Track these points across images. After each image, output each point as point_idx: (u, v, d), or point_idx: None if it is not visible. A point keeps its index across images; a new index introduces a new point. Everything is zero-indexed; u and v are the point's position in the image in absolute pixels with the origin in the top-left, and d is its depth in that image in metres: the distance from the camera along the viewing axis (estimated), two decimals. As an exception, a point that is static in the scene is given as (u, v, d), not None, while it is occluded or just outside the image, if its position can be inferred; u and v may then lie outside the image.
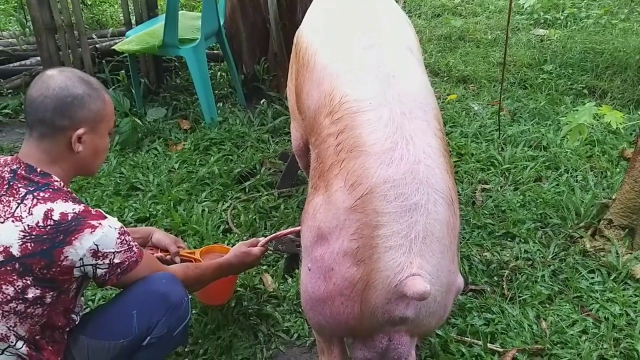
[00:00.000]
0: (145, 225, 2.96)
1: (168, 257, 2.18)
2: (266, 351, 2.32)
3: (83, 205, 1.63)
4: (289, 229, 2.43)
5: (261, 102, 4.28)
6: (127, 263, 1.69)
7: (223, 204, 3.20)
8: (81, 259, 1.59)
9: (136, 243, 1.74)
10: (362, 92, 1.66)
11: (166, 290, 1.76)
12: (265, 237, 2.40)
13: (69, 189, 1.68)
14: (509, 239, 2.93)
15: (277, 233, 2.43)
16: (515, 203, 3.17)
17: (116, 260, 1.66)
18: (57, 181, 1.65)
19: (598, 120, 3.33)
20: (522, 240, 2.91)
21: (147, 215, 3.11)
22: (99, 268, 1.64)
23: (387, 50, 1.79)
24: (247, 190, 3.34)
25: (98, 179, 3.43)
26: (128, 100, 4.04)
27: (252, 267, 2.37)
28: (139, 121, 3.90)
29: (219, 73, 4.87)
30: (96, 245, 1.60)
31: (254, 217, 3.06)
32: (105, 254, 1.63)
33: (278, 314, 2.47)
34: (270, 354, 2.31)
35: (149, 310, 1.73)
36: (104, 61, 4.47)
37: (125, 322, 1.73)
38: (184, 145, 3.82)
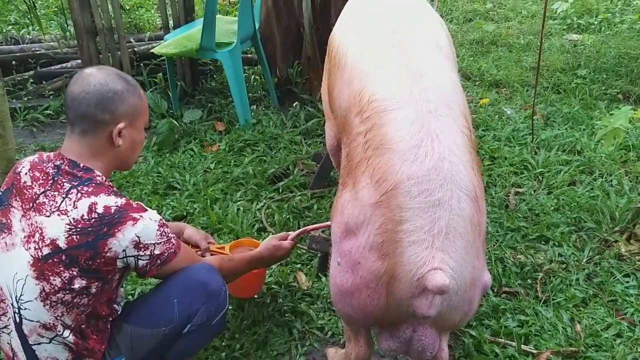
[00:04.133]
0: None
1: (199, 252, 2.23)
2: (301, 347, 2.35)
3: (125, 198, 1.69)
4: (319, 224, 2.47)
5: (294, 104, 4.32)
6: (166, 254, 1.75)
7: (257, 204, 3.25)
8: (124, 250, 1.65)
9: (174, 235, 1.79)
10: (389, 90, 1.67)
11: (206, 280, 1.81)
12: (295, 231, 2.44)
13: (110, 183, 1.74)
14: (542, 242, 2.92)
15: (307, 227, 2.47)
16: (549, 207, 3.15)
17: (156, 252, 1.72)
18: (99, 176, 1.71)
19: (633, 124, 3.29)
20: (556, 244, 2.89)
21: (184, 213, 3.18)
22: (141, 259, 1.70)
23: (415, 47, 1.80)
24: (280, 190, 3.39)
25: (137, 178, 3.51)
26: (165, 102, 4.13)
27: (282, 260, 2.41)
28: (175, 122, 3.97)
29: (252, 76, 4.93)
30: (138, 237, 1.66)
31: (287, 217, 3.10)
32: (146, 246, 1.68)
33: (312, 311, 2.50)
34: (305, 351, 2.34)
35: (190, 299, 1.78)
36: (142, 64, 4.57)
37: (166, 310, 1.78)
38: (219, 146, 3.88)
